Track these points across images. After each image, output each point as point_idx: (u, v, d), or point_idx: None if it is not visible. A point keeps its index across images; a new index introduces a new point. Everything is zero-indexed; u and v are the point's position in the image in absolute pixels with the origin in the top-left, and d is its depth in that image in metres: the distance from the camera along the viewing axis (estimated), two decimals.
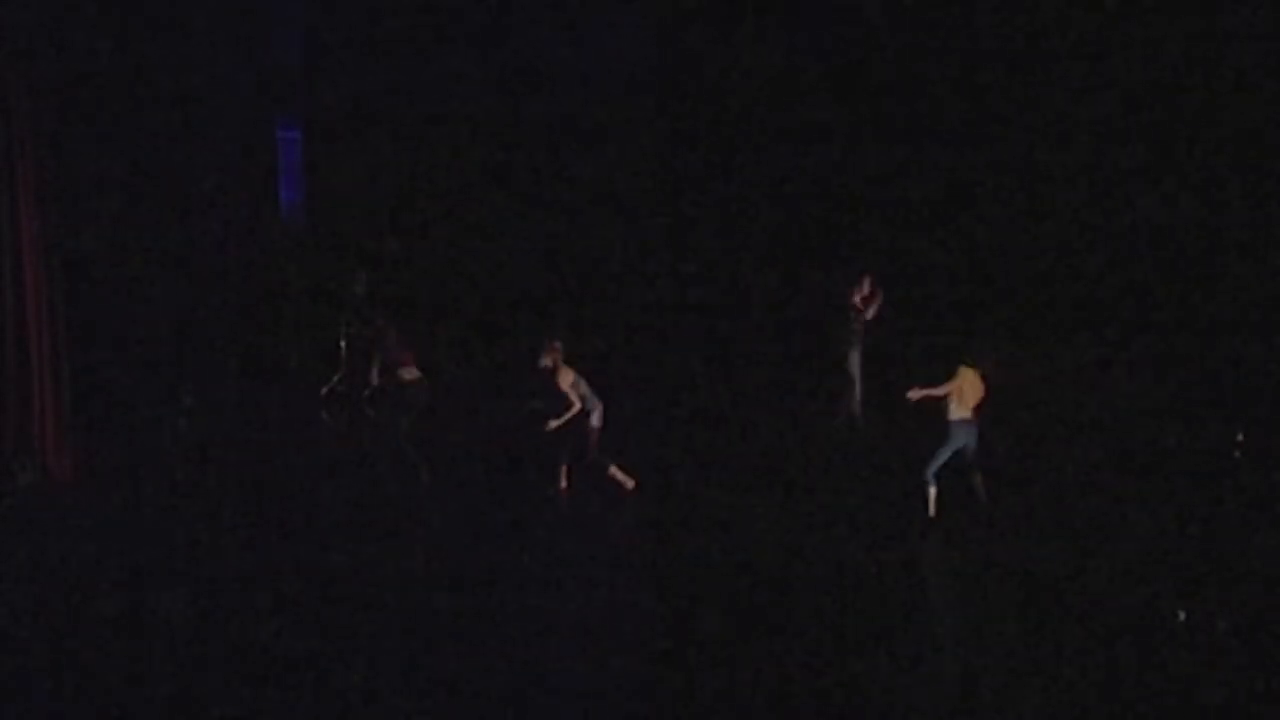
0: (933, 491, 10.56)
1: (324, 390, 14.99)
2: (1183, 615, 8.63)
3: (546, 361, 11.21)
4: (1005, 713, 7.47)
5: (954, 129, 14.66)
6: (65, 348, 11.76)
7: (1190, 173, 13.51)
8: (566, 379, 11.17)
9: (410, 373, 11.92)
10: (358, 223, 16.85)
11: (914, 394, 10.54)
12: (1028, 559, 9.80)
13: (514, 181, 16.68)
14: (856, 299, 13.26)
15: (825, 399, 13.76)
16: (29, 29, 11.36)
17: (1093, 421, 13.03)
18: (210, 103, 14.55)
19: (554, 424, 11.15)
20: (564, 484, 11.50)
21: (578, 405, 11.14)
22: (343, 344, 14.99)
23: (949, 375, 10.45)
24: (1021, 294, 14.33)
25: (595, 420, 11.29)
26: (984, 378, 10.43)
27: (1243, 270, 13.26)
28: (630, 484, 11.42)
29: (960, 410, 10.40)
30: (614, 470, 11.42)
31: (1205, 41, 13.25)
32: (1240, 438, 12.05)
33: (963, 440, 10.48)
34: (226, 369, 14.70)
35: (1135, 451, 12.22)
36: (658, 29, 15.99)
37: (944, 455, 10.50)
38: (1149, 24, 13.47)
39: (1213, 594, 9.05)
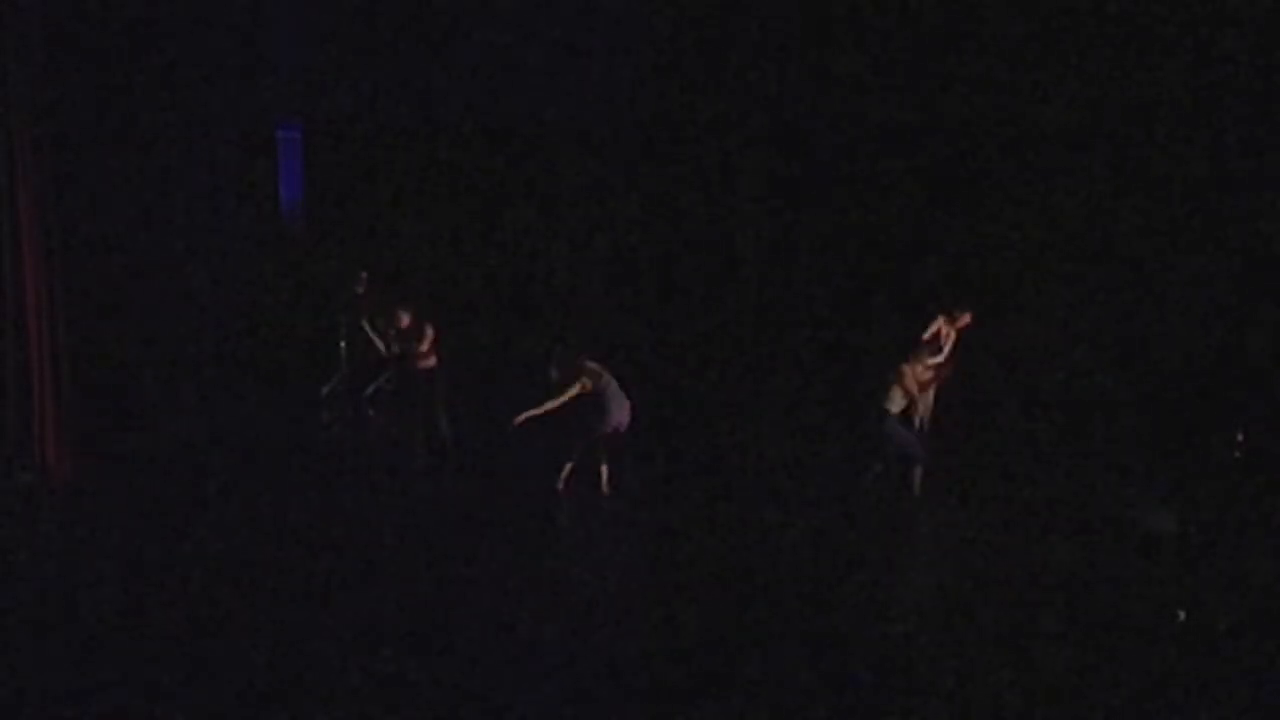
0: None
1: (324, 390, 14.99)
2: (1182, 615, 8.63)
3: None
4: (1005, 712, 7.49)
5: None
6: (65, 348, 11.77)
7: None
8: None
9: (428, 360, 12.25)
10: (357, 223, 16.86)
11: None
12: (1025, 557, 9.83)
13: (514, 182, 16.69)
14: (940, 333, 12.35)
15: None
16: (29, 27, 11.36)
17: (1090, 418, 13.06)
18: (210, 103, 14.56)
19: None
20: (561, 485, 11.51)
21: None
22: (343, 344, 14.99)
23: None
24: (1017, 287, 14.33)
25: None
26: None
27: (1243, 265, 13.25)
28: (607, 486, 11.45)
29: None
30: (604, 469, 11.47)
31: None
32: (1240, 438, 12.04)
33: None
34: (227, 369, 14.70)
35: (1133, 451, 12.25)
36: (652, 32, 15.97)
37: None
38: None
39: (1214, 593, 9.06)
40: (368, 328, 14.29)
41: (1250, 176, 13.23)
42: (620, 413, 11.16)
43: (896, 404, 11.07)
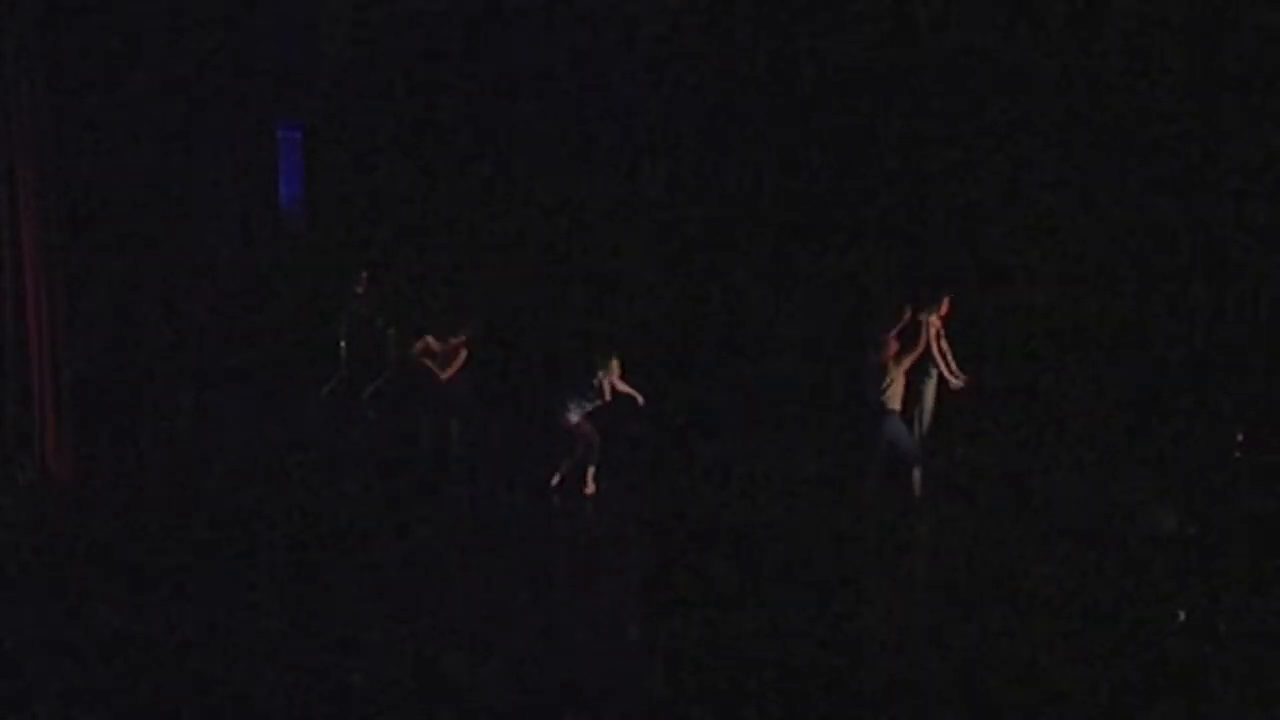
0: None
1: (324, 390, 15.00)
2: (1182, 615, 8.64)
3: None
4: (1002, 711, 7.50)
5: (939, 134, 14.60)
6: (65, 348, 11.78)
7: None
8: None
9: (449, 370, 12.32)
10: (358, 223, 16.87)
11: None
12: (1024, 556, 9.83)
13: (513, 184, 16.69)
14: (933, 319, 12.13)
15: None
16: (29, 28, 11.36)
17: (1087, 420, 13.06)
18: (210, 103, 14.57)
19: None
20: (591, 487, 11.60)
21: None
22: (342, 344, 15.00)
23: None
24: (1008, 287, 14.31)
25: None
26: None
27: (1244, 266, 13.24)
28: (590, 488, 11.54)
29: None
30: (590, 470, 11.57)
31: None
32: (1240, 437, 12.03)
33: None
34: (226, 369, 14.72)
35: (1133, 450, 12.26)
36: (653, 35, 15.97)
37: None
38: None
39: (1214, 594, 9.07)
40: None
41: (1250, 174, 13.25)
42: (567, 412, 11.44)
43: (897, 402, 11.00)
